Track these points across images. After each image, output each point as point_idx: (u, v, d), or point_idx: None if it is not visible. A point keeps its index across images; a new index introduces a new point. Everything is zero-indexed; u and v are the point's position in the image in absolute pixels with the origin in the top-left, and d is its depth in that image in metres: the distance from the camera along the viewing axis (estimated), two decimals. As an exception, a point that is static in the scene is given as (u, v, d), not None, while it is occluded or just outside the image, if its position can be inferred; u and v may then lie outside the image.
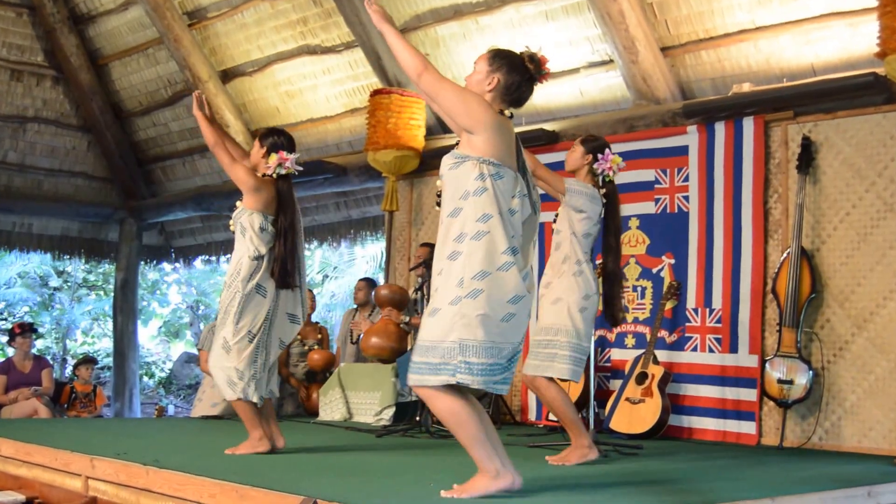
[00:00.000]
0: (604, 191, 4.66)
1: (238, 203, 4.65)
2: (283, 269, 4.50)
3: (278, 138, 4.69)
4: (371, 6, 3.32)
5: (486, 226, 3.06)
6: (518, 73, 3.28)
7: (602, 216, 4.64)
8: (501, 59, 3.29)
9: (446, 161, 3.23)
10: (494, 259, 3.04)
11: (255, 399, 4.49)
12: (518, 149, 3.31)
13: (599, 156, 4.65)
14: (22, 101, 10.62)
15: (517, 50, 3.36)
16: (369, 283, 8.06)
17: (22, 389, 8.04)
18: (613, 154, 4.69)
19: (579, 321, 4.48)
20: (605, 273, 4.67)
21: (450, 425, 3.12)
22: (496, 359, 3.05)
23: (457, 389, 3.08)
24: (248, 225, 4.52)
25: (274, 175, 4.62)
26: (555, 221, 4.69)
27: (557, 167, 6.71)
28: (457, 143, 3.31)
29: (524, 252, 3.18)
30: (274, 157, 4.60)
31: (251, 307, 4.49)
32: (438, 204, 3.32)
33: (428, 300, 3.23)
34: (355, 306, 8.06)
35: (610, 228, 4.66)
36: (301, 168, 4.70)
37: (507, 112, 3.29)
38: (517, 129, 7.33)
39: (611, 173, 4.67)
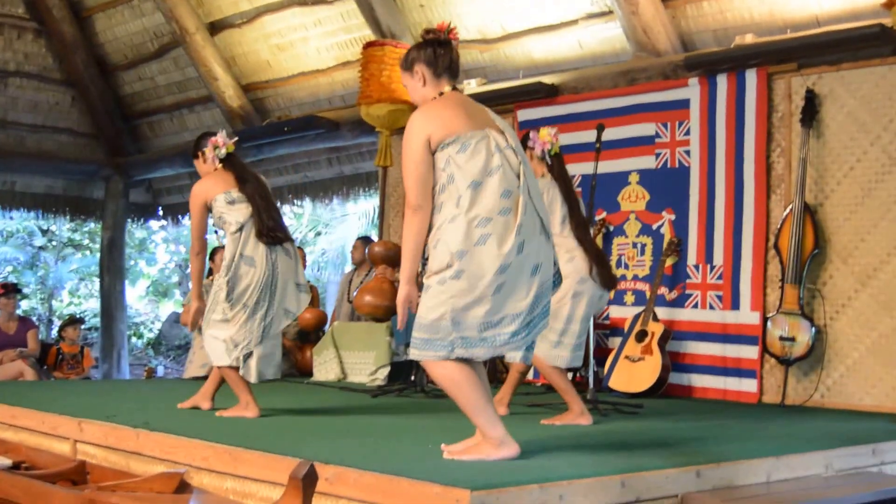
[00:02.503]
0: (551, 172, 4.50)
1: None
2: (268, 221, 4.48)
3: (199, 139, 4.77)
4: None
5: (459, 207, 3.05)
6: (426, 47, 3.28)
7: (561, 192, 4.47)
8: (408, 56, 3.31)
9: None
10: (470, 235, 3.02)
11: (260, 374, 4.46)
12: (486, 113, 3.26)
13: (528, 143, 4.50)
14: (3, 55, 10.38)
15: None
16: (366, 241, 7.94)
17: (7, 351, 7.93)
18: (539, 131, 4.53)
19: (573, 306, 4.38)
20: (582, 243, 4.48)
21: (450, 394, 3.12)
22: (497, 329, 3.05)
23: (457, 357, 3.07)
24: (219, 210, 4.54)
25: (219, 162, 4.66)
26: None
27: (558, 119, 6.58)
28: None
29: (517, 206, 3.07)
30: (207, 148, 4.66)
31: (242, 278, 4.45)
32: None
33: (425, 260, 3.17)
34: (353, 266, 7.95)
35: (570, 199, 4.45)
36: (235, 139, 4.75)
37: (447, 88, 3.25)
38: (514, 83, 7.18)
39: (549, 147, 4.51)
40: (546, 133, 4.52)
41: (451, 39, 3.28)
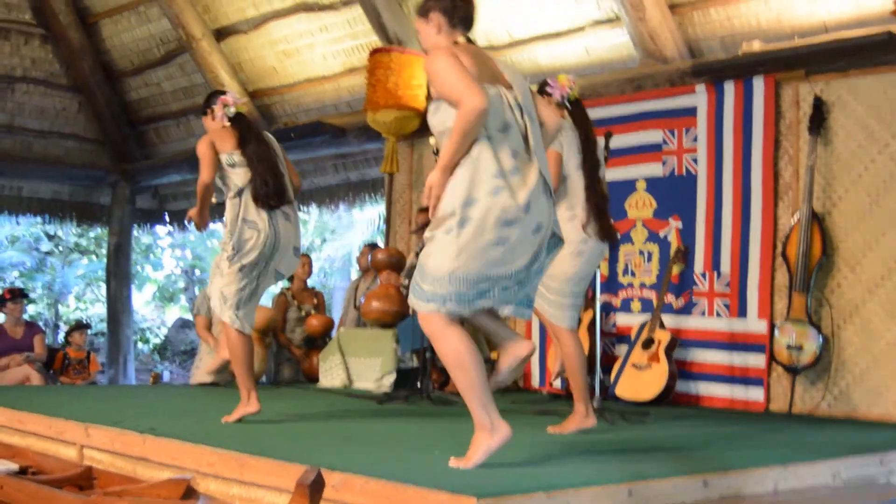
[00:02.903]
0: (570, 113, 4.50)
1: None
2: (262, 188, 4.47)
3: (210, 95, 4.74)
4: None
5: (472, 152, 3.04)
6: None
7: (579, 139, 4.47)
8: (426, 3, 3.31)
9: (429, 110, 3.23)
10: (483, 184, 3.02)
11: (243, 328, 4.45)
12: (496, 65, 3.27)
13: (547, 88, 4.48)
14: (10, 61, 10.38)
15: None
16: (372, 248, 7.94)
17: (14, 356, 7.93)
18: (558, 77, 4.53)
19: (576, 265, 4.33)
20: (588, 189, 4.45)
21: (452, 367, 3.10)
22: (490, 284, 3.06)
23: (465, 332, 3.08)
24: (220, 173, 4.54)
25: (228, 121, 4.62)
26: None
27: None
28: None
29: (529, 166, 3.09)
30: (217, 105, 4.61)
31: (247, 242, 4.45)
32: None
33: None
34: (359, 273, 7.94)
35: (587, 145, 4.45)
36: (244, 100, 4.69)
37: (461, 39, 3.28)
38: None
39: (568, 91, 4.50)
40: (565, 78, 4.52)
41: None
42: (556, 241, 3.26)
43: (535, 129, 3.18)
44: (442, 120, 3.15)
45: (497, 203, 3.00)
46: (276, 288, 7.59)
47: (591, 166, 4.43)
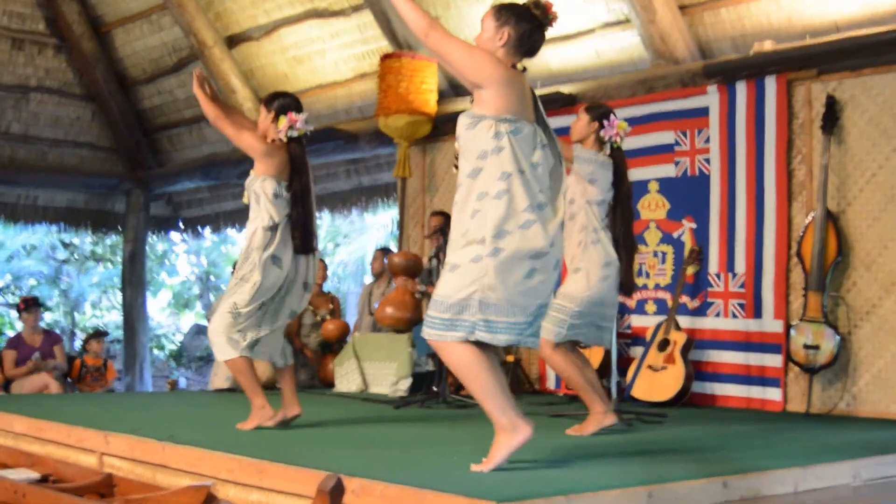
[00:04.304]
0: (611, 158, 4.53)
1: (251, 172, 4.51)
2: (305, 232, 4.39)
3: (285, 100, 4.56)
4: None
5: (506, 184, 3.07)
6: (526, 21, 3.26)
7: (612, 183, 4.50)
8: (508, 11, 3.28)
9: (462, 121, 3.21)
10: (516, 217, 3.05)
11: (271, 357, 4.43)
12: (535, 100, 3.29)
13: (605, 122, 4.53)
14: (24, 71, 10.45)
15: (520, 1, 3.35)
16: (385, 252, 7.95)
17: (32, 361, 7.97)
18: (619, 120, 4.56)
19: (602, 289, 4.37)
20: (616, 242, 4.50)
21: (463, 378, 3.12)
22: (519, 317, 3.07)
23: (471, 342, 3.07)
24: (261, 192, 4.39)
25: (285, 139, 4.49)
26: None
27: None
28: (472, 103, 3.28)
29: (553, 204, 3.16)
30: (283, 120, 4.46)
31: (269, 278, 4.36)
32: (456, 167, 3.26)
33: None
34: (373, 277, 7.95)
35: (619, 197, 4.51)
36: (311, 128, 4.58)
37: (519, 66, 3.29)
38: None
39: (618, 139, 4.56)
40: (623, 125, 4.56)
41: (549, 26, 3.29)
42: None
43: (562, 168, 3.24)
44: (476, 139, 3.13)
45: (527, 236, 3.04)
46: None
47: (625, 225, 4.47)
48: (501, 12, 3.26)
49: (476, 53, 3.21)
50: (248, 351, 4.39)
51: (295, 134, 4.48)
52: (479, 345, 3.08)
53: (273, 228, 4.37)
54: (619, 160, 4.55)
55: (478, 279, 3.02)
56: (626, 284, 4.49)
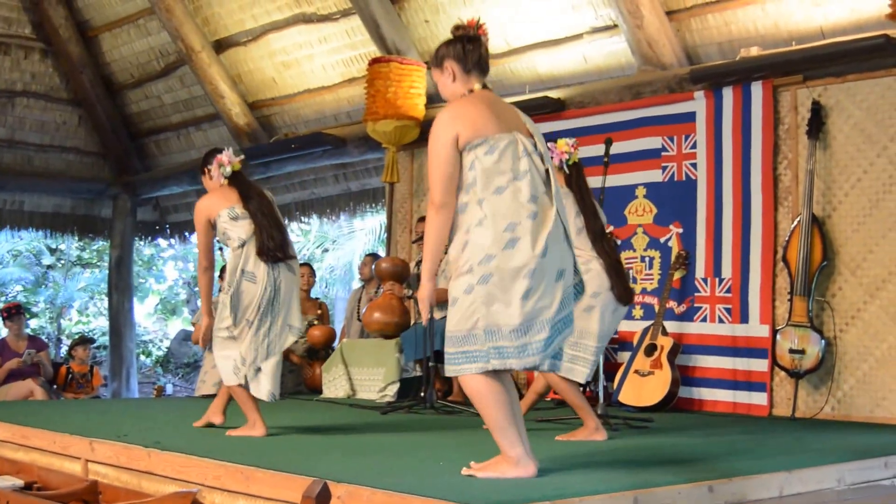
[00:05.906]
0: (568, 177, 4.48)
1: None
2: (268, 241, 4.48)
3: (207, 155, 4.79)
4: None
5: (484, 209, 3.04)
6: (456, 43, 3.27)
7: (576, 201, 4.45)
8: (438, 52, 3.31)
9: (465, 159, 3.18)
10: (497, 239, 3.01)
11: (263, 394, 4.45)
12: (515, 113, 3.26)
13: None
14: (10, 75, 10.41)
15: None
16: (374, 257, 7.94)
17: (11, 361, 7.91)
18: (557, 142, 4.51)
19: (585, 320, 4.31)
20: (597, 252, 4.46)
21: (477, 407, 3.11)
22: (526, 337, 3.02)
23: (490, 372, 3.04)
24: (223, 228, 4.54)
25: (225, 180, 4.67)
26: None
27: (563, 133, 6.59)
28: None
29: (544, 211, 3.08)
30: (214, 166, 4.67)
31: (244, 294, 4.45)
32: None
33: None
34: (361, 283, 7.94)
35: (585, 210, 4.44)
36: (241, 157, 4.74)
37: (477, 85, 3.25)
38: (521, 98, 7.18)
39: (567, 157, 4.49)
40: (564, 143, 4.51)
41: (480, 35, 3.27)
42: (580, 287, 3.29)
43: (555, 174, 3.19)
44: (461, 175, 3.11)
45: (512, 255, 3.00)
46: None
47: (594, 234, 4.41)
48: (436, 55, 3.30)
49: (441, 157, 3.09)
50: (247, 380, 4.47)
51: (229, 170, 4.65)
52: (498, 373, 3.06)
53: (242, 246, 4.50)
54: (577, 174, 4.49)
55: (475, 308, 3.01)
56: (626, 293, 4.43)
